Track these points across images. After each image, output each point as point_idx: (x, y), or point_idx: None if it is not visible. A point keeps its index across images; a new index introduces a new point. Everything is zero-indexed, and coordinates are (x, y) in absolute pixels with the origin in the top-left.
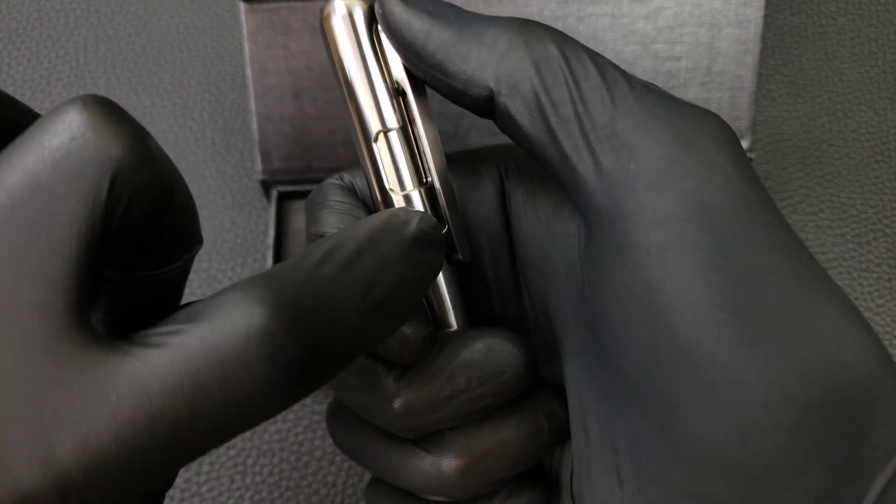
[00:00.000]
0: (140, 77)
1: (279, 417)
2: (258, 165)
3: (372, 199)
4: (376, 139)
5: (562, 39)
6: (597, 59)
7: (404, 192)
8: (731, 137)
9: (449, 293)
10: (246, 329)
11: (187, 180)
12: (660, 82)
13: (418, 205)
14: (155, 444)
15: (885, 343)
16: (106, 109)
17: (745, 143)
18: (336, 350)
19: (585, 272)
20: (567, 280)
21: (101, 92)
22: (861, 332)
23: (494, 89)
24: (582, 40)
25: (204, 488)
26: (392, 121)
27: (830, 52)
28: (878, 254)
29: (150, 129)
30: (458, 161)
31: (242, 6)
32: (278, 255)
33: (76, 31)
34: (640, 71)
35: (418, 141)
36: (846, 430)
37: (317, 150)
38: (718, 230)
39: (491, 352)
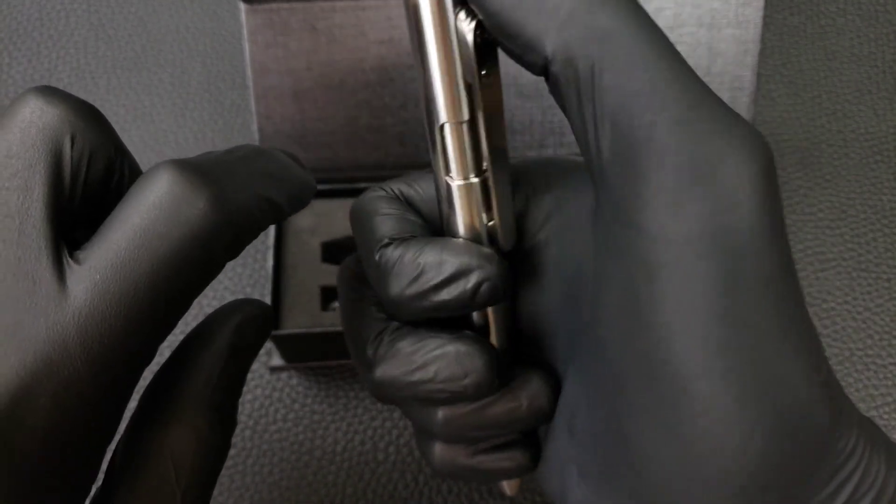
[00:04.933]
0: (140, 77)
1: (279, 417)
2: None
3: (437, 186)
4: (441, 129)
5: (629, 14)
6: (659, 42)
7: (458, 182)
8: (767, 168)
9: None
10: (158, 172)
11: None
12: None
13: (471, 193)
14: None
15: (884, 342)
16: (57, 90)
17: None
18: (237, 197)
19: (588, 266)
20: (574, 277)
21: (102, 92)
22: (817, 393)
23: (550, 58)
24: None
25: None
26: (459, 115)
27: (830, 53)
28: (877, 254)
29: (150, 128)
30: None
31: (243, 6)
32: (278, 255)
33: (76, 31)
34: None
35: (478, 134)
36: (782, 478)
37: (317, 150)
38: (716, 264)
39: (459, 357)
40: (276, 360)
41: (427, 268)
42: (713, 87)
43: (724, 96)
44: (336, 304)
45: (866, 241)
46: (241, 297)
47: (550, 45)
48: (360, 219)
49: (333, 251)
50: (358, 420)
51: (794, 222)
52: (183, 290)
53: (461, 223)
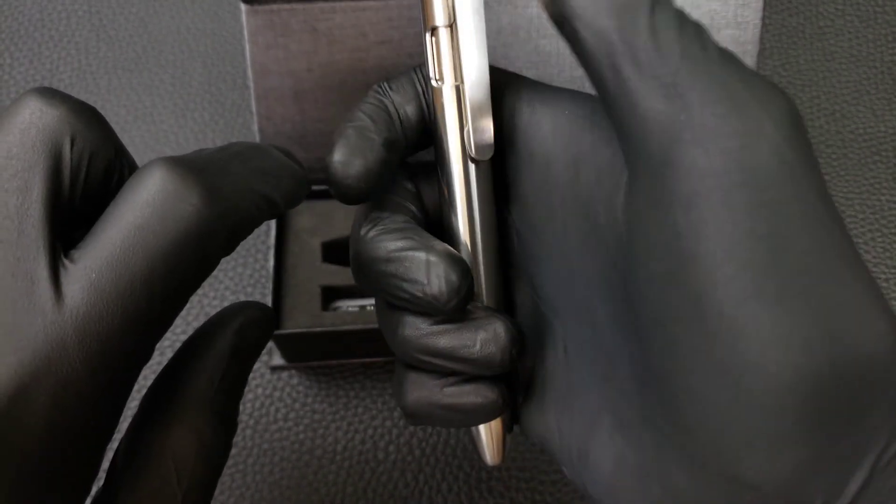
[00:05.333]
0: (141, 78)
1: (279, 416)
2: None
3: (424, 82)
4: (433, 32)
5: None
6: (681, 13)
7: (440, 84)
8: (791, 114)
9: (462, 189)
10: (150, 169)
11: None
12: None
13: (450, 99)
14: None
15: None
16: (57, 92)
17: None
18: (230, 193)
19: (623, 211)
20: (598, 223)
21: (103, 93)
22: (878, 314)
23: (577, 13)
24: None
25: None
26: (441, 20)
27: (828, 54)
28: (875, 254)
29: (151, 129)
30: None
31: (243, 8)
32: (279, 255)
33: (78, 31)
34: None
35: (458, 41)
36: (842, 407)
37: (317, 151)
38: (752, 192)
39: (432, 264)
40: (277, 360)
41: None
42: None
43: None
44: (336, 304)
45: (865, 242)
46: (241, 296)
47: (576, 5)
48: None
49: (333, 251)
50: (358, 420)
51: None
52: (178, 287)
53: (440, 126)
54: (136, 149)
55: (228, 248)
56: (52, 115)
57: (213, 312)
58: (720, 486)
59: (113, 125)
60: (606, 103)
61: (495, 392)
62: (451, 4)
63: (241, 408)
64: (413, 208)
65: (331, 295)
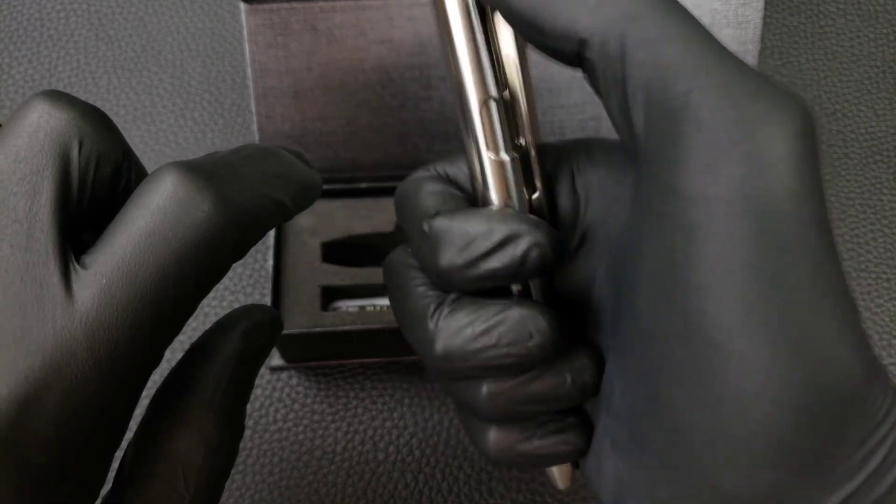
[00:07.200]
0: (140, 77)
1: (279, 417)
2: None
3: (469, 164)
4: (484, 103)
5: None
6: (689, 21)
7: (499, 158)
8: (804, 128)
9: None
10: (162, 174)
11: None
12: None
13: (510, 171)
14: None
15: (884, 342)
16: (65, 95)
17: None
18: (242, 200)
19: (627, 236)
20: (616, 251)
21: (102, 92)
22: (853, 350)
23: (584, 43)
24: None
25: None
26: (493, 90)
27: (829, 53)
28: (876, 254)
29: (151, 129)
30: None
31: (243, 7)
32: (278, 255)
33: (77, 31)
34: None
35: (517, 110)
36: (815, 438)
37: (317, 151)
38: (754, 224)
39: (524, 319)
40: (277, 360)
41: (476, 235)
42: None
43: None
44: (336, 305)
45: (866, 242)
46: (241, 296)
47: (583, 30)
48: (406, 196)
49: (333, 251)
50: (358, 420)
51: None
52: (189, 293)
53: (500, 199)
54: (136, 149)
55: (239, 254)
56: (60, 118)
57: (212, 313)
58: (702, 496)
59: None
60: (616, 126)
61: (583, 438)
62: (503, 73)
63: None
64: None
65: (331, 295)
